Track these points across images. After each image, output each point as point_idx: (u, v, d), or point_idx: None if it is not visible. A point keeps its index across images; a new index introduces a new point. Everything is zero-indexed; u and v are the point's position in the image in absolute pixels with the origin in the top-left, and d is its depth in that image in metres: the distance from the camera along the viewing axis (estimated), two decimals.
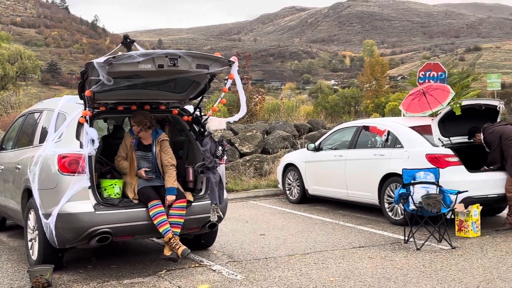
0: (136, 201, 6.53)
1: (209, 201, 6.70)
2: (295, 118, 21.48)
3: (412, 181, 7.76)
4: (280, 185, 12.30)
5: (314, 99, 71.85)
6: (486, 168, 8.72)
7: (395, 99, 51.67)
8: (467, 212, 8.05)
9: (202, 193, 6.88)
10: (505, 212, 9.11)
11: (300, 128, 17.55)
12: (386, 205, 9.19)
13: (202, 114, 7.20)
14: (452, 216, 7.98)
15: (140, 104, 7.08)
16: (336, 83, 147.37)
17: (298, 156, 11.67)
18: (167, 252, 6.45)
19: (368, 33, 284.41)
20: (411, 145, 8.96)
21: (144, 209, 6.42)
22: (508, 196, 8.41)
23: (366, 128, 10.11)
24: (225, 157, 6.93)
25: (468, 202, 8.14)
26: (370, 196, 9.55)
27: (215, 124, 6.96)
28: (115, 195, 6.62)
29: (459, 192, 7.65)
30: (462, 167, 8.45)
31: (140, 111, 6.94)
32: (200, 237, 7.38)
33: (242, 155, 15.38)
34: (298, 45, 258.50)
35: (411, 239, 7.63)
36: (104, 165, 7.12)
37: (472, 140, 9.00)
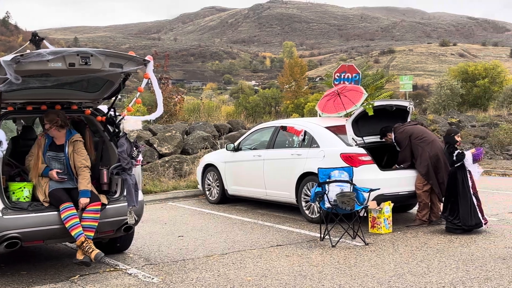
0: (46, 204, 6.28)
1: (124, 204, 6.55)
2: (215, 119, 21.48)
3: (328, 180, 7.98)
4: (199, 186, 12.24)
5: (235, 100, 72.17)
6: (397, 166, 9.12)
7: (314, 100, 52.95)
8: (380, 209, 8.37)
9: (117, 195, 6.72)
10: (415, 209, 9.58)
11: (220, 129, 17.57)
12: (303, 204, 9.38)
13: (117, 114, 7.03)
14: (365, 214, 8.29)
15: (50, 104, 6.81)
16: (257, 83, 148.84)
17: (218, 157, 11.67)
18: (79, 256, 6.24)
19: (287, 34, 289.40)
20: (327, 145, 9.20)
21: (55, 212, 6.18)
22: (418, 193, 8.84)
23: (284, 128, 10.27)
24: (140, 158, 6.81)
25: (380, 199, 8.48)
26: (288, 195, 9.71)
27: (131, 124, 6.82)
28: (24, 198, 6.33)
29: (371, 190, 7.94)
30: (375, 166, 8.78)
31: (54, 110, 6.68)
32: (115, 240, 7.20)
33: (161, 156, 15.17)
34: (219, 45, 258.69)
35: (327, 237, 7.84)
36: (13, 167, 6.78)
37: (384, 140, 9.38)
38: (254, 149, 10.88)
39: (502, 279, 5.91)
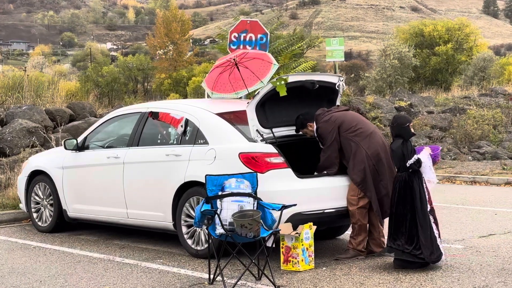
0: None
1: None
2: (48, 101, 21.02)
3: (220, 193, 8.03)
4: (22, 205, 11.96)
5: (81, 72, 70.75)
6: (318, 173, 9.36)
7: (201, 72, 53.12)
8: (297, 235, 8.57)
9: None
10: (347, 234, 9.89)
11: (56, 116, 17.27)
12: (184, 230, 9.43)
13: None
14: (271, 245, 8.36)
15: None
16: (115, 47, 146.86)
17: (52, 159, 11.49)
18: None
19: None
20: (219, 141, 9.29)
21: None
22: (351, 211, 9.12)
23: (155, 115, 10.24)
24: None
25: (298, 220, 8.68)
26: (160, 216, 9.71)
27: None
28: None
29: (284, 207, 8.10)
30: (289, 171, 8.98)
31: None
32: None
33: None
34: None
35: (219, 278, 7.91)
36: None
37: (302, 133, 9.61)
38: (109, 147, 10.77)
39: None
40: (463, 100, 30.08)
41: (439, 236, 8.65)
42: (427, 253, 8.42)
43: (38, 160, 11.79)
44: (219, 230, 7.88)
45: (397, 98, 29.57)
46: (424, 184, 8.67)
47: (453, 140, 23.53)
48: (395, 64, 49.99)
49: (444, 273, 8.35)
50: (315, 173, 9.38)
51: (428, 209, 8.63)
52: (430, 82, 54.65)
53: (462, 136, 23.30)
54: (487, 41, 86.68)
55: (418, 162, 8.55)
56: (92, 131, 11.18)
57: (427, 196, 8.65)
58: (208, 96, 11.01)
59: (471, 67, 54.90)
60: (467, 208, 13.45)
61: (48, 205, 11.43)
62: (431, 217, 8.63)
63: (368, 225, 9.24)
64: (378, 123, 23.45)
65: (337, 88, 9.88)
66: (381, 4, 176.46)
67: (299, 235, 8.56)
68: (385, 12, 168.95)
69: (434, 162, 8.80)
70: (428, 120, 25.55)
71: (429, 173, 8.70)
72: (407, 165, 8.56)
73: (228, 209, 7.93)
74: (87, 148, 11.02)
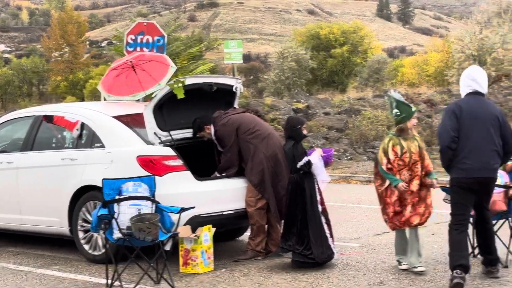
0: None
1: None
2: None
3: (117, 197, 7.97)
4: None
5: None
6: (218, 174, 9.40)
7: (98, 75, 52.39)
8: (196, 237, 8.58)
9: None
10: (247, 235, 9.96)
11: None
12: (81, 235, 9.31)
13: None
14: (170, 248, 8.33)
15: None
16: (8, 49, 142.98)
17: None
18: None
19: None
20: (116, 144, 9.21)
21: None
22: (250, 212, 9.19)
23: (49, 118, 10.06)
24: None
25: (197, 223, 8.70)
26: (56, 222, 9.56)
27: None
28: None
29: (183, 210, 8.10)
30: (188, 174, 9.00)
31: None
32: None
33: None
34: None
35: (117, 283, 7.83)
36: None
37: (200, 135, 9.61)
38: (1, 152, 10.60)
39: None
40: (359, 101, 30.75)
41: (331, 236, 8.83)
42: (317, 253, 8.58)
43: None
44: (117, 234, 7.82)
45: (294, 100, 29.99)
46: (316, 186, 8.83)
47: (349, 140, 24.01)
48: (292, 66, 50.64)
49: (341, 271, 8.51)
50: (215, 174, 9.41)
51: (320, 210, 8.79)
52: (327, 84, 55.62)
53: (357, 136, 23.78)
54: (381, 43, 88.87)
55: (308, 164, 8.71)
56: None
57: (318, 198, 8.81)
58: (105, 99, 10.87)
59: (366, 69, 56.21)
60: (362, 207, 13.76)
61: None
62: (322, 218, 8.79)
63: (266, 226, 9.32)
64: (277, 125, 23.68)
65: (234, 90, 9.94)
66: (279, 6, 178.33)
67: (198, 238, 8.57)
68: (282, 14, 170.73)
69: (327, 163, 8.98)
70: (324, 121, 26.00)
71: (321, 174, 8.88)
72: (298, 166, 8.71)
73: (125, 213, 7.88)
74: None
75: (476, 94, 7.80)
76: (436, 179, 8.42)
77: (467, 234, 7.81)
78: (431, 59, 53.67)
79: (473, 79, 7.82)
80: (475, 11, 52.05)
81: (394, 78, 55.32)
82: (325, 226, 8.80)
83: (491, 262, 7.99)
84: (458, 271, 7.39)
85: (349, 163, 21.18)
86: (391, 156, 8.11)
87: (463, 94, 7.93)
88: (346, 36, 60.43)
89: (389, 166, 8.14)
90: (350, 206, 13.75)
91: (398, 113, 8.15)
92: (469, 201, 7.72)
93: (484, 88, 7.86)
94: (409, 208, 8.16)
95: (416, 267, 8.21)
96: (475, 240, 8.44)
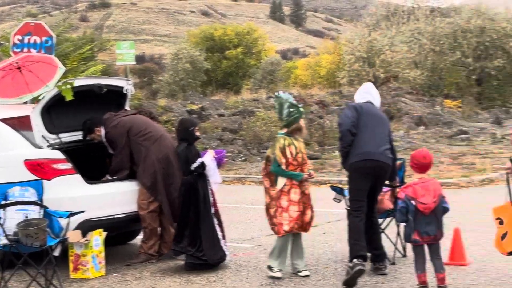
0: None
1: None
2: None
3: (3, 202, 7.76)
4: None
5: None
6: (110, 177, 9.28)
7: None
8: (86, 242, 8.43)
9: None
10: (139, 238, 9.87)
11: None
12: None
13: None
14: (58, 254, 8.14)
15: None
16: None
17: None
18: None
19: None
20: (2, 148, 8.92)
21: None
22: (142, 215, 9.12)
23: None
24: None
25: (87, 227, 8.55)
26: None
27: None
28: None
29: (72, 214, 7.95)
30: (78, 177, 8.84)
31: None
32: None
33: None
34: None
35: None
36: None
37: (90, 138, 9.46)
38: None
39: None
40: (252, 102, 30.96)
41: (224, 238, 8.84)
42: (210, 254, 8.59)
43: None
44: (3, 240, 7.62)
45: (188, 102, 29.92)
46: (209, 187, 8.83)
47: (243, 142, 24.10)
48: (187, 68, 50.58)
49: (234, 272, 8.55)
50: (106, 177, 9.28)
51: (212, 211, 8.79)
52: (221, 85, 55.77)
53: (251, 137, 23.90)
54: (275, 45, 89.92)
55: (202, 166, 8.70)
56: None
57: (211, 199, 8.81)
58: None
59: (260, 71, 56.65)
60: (256, 208, 13.81)
61: None
62: (215, 219, 8.80)
63: (159, 228, 9.26)
64: (170, 127, 23.54)
65: (125, 92, 9.84)
66: (172, 8, 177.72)
67: (89, 242, 8.43)
68: (176, 16, 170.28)
69: (220, 164, 9.00)
70: (219, 122, 26.03)
71: (214, 175, 8.88)
72: (192, 168, 8.68)
73: (12, 218, 7.69)
74: None
75: (370, 103, 8.30)
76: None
77: (364, 222, 7.99)
78: (323, 61, 54.62)
79: (368, 92, 8.39)
80: (364, 14, 53.41)
81: (288, 80, 55.99)
82: (218, 228, 8.81)
83: (378, 257, 8.20)
84: (359, 261, 7.60)
85: (243, 164, 21.27)
86: (289, 156, 8.14)
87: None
88: (240, 37, 60.82)
89: (287, 166, 8.15)
90: (243, 207, 13.80)
91: (292, 113, 8.19)
92: (366, 186, 7.96)
93: (376, 102, 8.37)
94: (309, 211, 8.22)
95: (301, 271, 8.26)
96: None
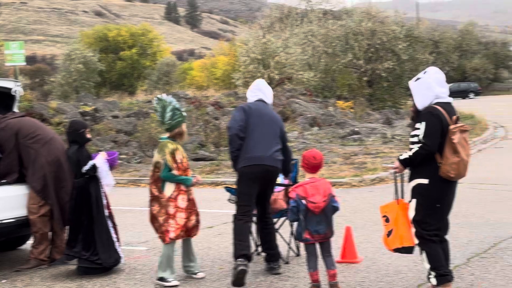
0: None
1: None
2: None
3: None
4: None
5: None
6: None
7: None
8: None
9: None
10: (30, 243, 9.64)
11: None
12: None
13: None
14: None
15: None
16: None
17: None
18: None
19: None
20: None
21: None
22: (32, 220, 8.91)
23: None
24: None
25: None
26: None
27: None
28: None
29: None
30: None
31: None
32: None
33: None
34: None
35: None
36: None
37: None
38: None
39: None
40: (147, 104, 30.68)
41: (118, 240, 8.75)
42: (104, 258, 8.47)
43: None
44: None
45: (82, 103, 29.40)
46: (102, 190, 8.71)
47: (138, 143, 23.88)
48: (80, 69, 49.74)
49: (127, 276, 8.47)
50: None
51: (106, 214, 8.67)
52: (116, 87, 55.12)
53: (146, 139, 23.70)
54: (170, 46, 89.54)
55: (94, 168, 8.58)
56: None
57: (105, 202, 8.70)
58: None
59: (155, 72, 56.31)
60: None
61: None
62: (109, 222, 8.69)
63: (50, 233, 9.08)
64: (63, 129, 23.08)
65: (13, 94, 9.61)
66: (64, 7, 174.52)
67: None
68: (68, 16, 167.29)
69: (112, 166, 8.89)
70: (113, 124, 25.68)
71: (106, 177, 8.76)
72: (83, 171, 8.55)
73: None
74: None
75: (262, 101, 8.34)
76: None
77: (250, 226, 8.05)
78: (219, 62, 54.82)
79: (259, 90, 8.41)
80: (259, 16, 53.85)
81: (183, 81, 55.87)
82: (112, 230, 8.70)
83: (272, 257, 8.28)
84: (242, 259, 7.63)
85: (138, 166, 21.07)
86: (178, 161, 7.97)
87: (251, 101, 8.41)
88: (135, 38, 60.26)
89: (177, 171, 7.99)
90: (138, 210, 13.64)
91: (175, 117, 8.03)
92: (254, 191, 7.99)
93: (268, 99, 8.41)
94: (194, 217, 8.11)
95: (196, 273, 8.20)
96: (258, 237, 8.68)
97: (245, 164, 7.93)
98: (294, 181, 8.90)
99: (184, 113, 8.17)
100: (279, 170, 8.19)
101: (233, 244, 7.89)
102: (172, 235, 7.86)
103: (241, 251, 7.73)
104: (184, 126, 8.13)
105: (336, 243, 8.80)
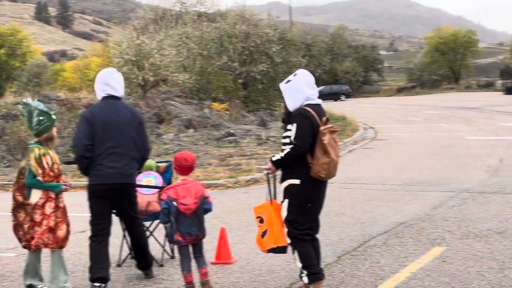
0: None
1: None
2: None
3: None
4: None
5: None
6: None
7: None
8: None
9: None
10: None
11: None
12: None
13: None
14: None
15: None
16: None
17: None
18: None
19: None
20: None
21: None
22: None
23: None
24: None
25: None
26: None
27: None
28: None
29: None
30: None
31: None
32: None
33: None
34: None
35: None
36: None
37: None
38: None
39: None
40: (16, 106, 29.83)
41: None
42: None
43: None
44: None
45: None
46: None
47: (7, 147, 23.17)
48: None
49: None
50: None
51: None
52: None
53: (16, 142, 23.04)
54: (41, 47, 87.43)
55: None
56: None
57: None
58: None
59: (25, 73, 54.86)
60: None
61: None
62: None
63: None
64: None
65: None
66: None
67: None
68: None
69: None
70: None
71: None
72: None
73: None
74: None
75: (111, 98, 7.73)
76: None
77: (107, 244, 7.69)
78: (92, 63, 53.96)
79: (107, 83, 7.75)
80: (133, 17, 53.35)
81: (55, 82, 54.63)
82: None
83: (144, 267, 8.15)
84: (97, 283, 7.42)
85: (7, 170, 20.42)
86: (45, 166, 7.55)
87: (99, 98, 7.82)
88: (4, 39, 58.47)
89: (43, 178, 7.54)
90: (6, 215, 13.21)
91: (43, 122, 7.59)
92: (107, 209, 7.67)
93: (119, 92, 7.79)
94: (64, 226, 7.64)
95: (66, 287, 7.68)
96: (129, 241, 8.44)
97: (94, 182, 7.54)
98: (168, 183, 8.85)
99: (53, 117, 7.74)
100: (131, 184, 7.78)
101: (89, 268, 7.57)
102: (38, 241, 7.50)
103: (96, 274, 7.45)
104: (54, 131, 7.71)
105: (211, 245, 8.84)
